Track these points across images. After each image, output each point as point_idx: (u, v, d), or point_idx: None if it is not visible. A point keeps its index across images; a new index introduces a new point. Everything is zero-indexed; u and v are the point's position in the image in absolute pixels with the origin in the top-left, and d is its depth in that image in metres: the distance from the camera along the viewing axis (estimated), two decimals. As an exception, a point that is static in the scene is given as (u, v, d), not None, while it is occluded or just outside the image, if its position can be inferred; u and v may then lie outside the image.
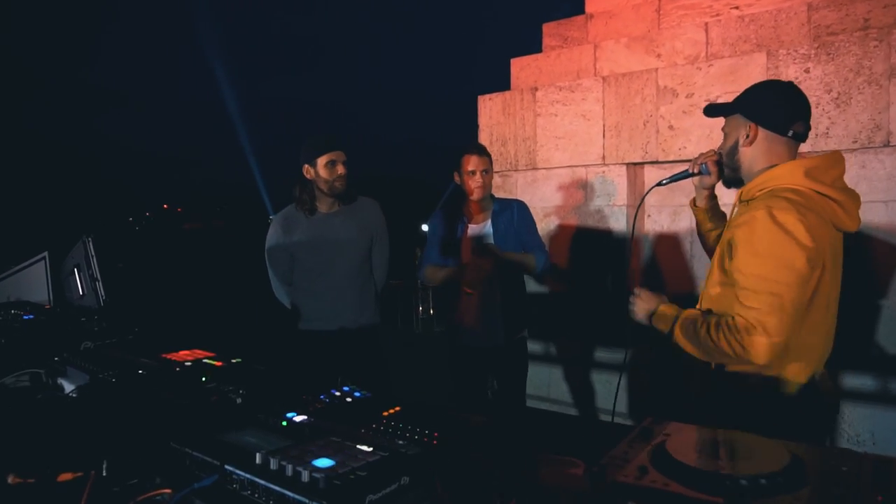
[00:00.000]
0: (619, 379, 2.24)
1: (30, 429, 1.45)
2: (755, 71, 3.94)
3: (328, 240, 2.99)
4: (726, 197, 1.96)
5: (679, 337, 1.77)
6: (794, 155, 1.78)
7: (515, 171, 5.07)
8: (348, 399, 1.38)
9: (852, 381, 3.37)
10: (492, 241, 3.03)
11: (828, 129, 3.69)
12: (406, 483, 0.96)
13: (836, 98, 3.67)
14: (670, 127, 4.29)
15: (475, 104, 5.32)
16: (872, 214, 3.57)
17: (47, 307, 2.86)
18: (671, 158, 4.30)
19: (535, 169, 4.96)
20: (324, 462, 0.98)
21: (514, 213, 3.09)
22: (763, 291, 1.59)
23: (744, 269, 1.64)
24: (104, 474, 1.14)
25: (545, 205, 4.88)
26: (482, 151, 3.05)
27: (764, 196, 1.68)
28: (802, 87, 3.64)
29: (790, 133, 1.74)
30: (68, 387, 1.71)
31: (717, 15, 4.60)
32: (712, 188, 2.03)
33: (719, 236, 1.92)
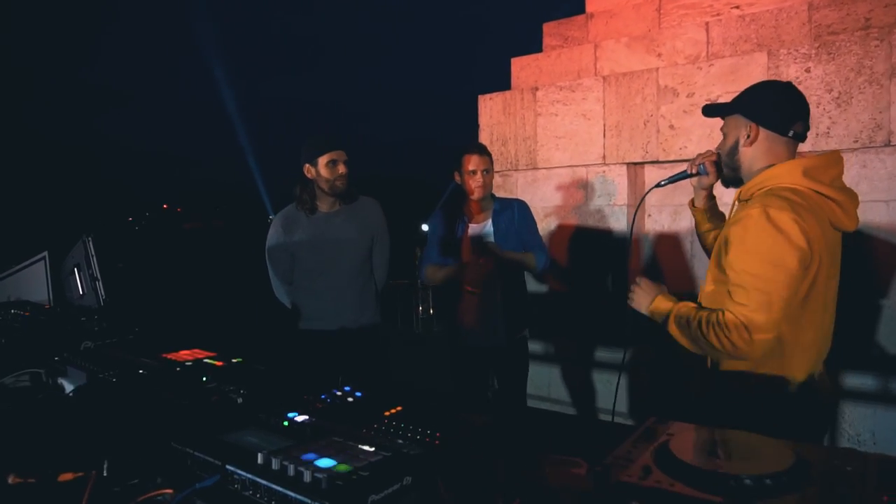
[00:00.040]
0: (619, 378, 2.24)
1: (30, 429, 1.45)
2: (756, 70, 3.94)
3: (329, 239, 2.98)
4: (727, 196, 1.96)
5: (673, 329, 1.79)
6: (793, 155, 1.78)
7: (516, 170, 5.06)
8: (349, 399, 1.37)
9: (853, 380, 3.37)
10: (492, 240, 3.03)
11: (829, 129, 3.69)
12: (408, 483, 0.95)
13: (837, 98, 3.67)
14: (671, 126, 4.28)
15: (475, 104, 5.32)
16: (873, 214, 3.57)
17: (47, 307, 2.86)
18: (672, 158, 4.30)
19: (535, 169, 4.95)
20: (326, 462, 0.97)
21: (514, 213, 3.08)
22: (753, 288, 1.61)
23: (736, 266, 1.66)
24: (105, 474, 1.13)
25: (545, 204, 4.87)
26: (483, 151, 3.05)
27: (762, 195, 1.69)
28: (803, 86, 3.66)
29: (791, 133, 1.75)
30: (68, 387, 1.70)
31: (718, 14, 4.60)
32: (710, 188, 2.05)
33: (718, 236, 1.92)
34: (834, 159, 1.75)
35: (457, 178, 3.09)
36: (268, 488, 0.94)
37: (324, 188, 2.96)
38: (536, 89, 4.95)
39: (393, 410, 1.27)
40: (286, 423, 1.21)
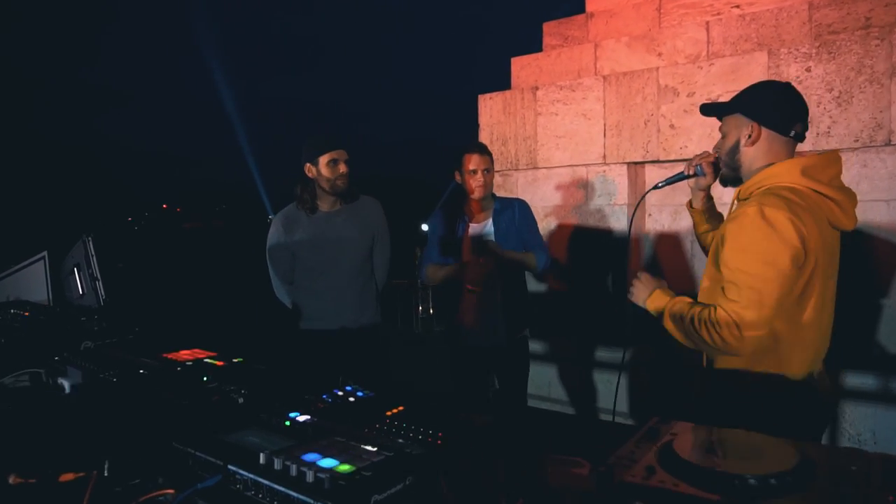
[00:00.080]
0: (619, 378, 2.24)
1: (30, 429, 1.44)
2: (756, 70, 3.93)
3: (329, 239, 2.98)
4: (726, 197, 1.96)
5: (668, 323, 1.80)
6: (792, 155, 1.79)
7: (516, 170, 5.06)
8: (351, 399, 1.37)
9: (853, 380, 3.37)
10: (493, 239, 3.02)
11: (829, 128, 3.69)
12: (411, 483, 0.95)
13: (838, 97, 3.67)
14: (671, 126, 4.28)
15: (475, 103, 5.31)
16: (874, 213, 3.57)
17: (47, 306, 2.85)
18: (672, 158, 4.29)
19: (535, 168, 4.95)
20: (328, 462, 0.97)
21: (515, 212, 3.08)
22: (745, 286, 1.62)
23: (730, 263, 1.67)
24: (106, 474, 1.13)
25: (546, 204, 4.87)
26: (483, 150, 3.05)
27: (760, 194, 1.70)
28: (804, 86, 3.66)
29: (792, 133, 1.76)
30: (68, 387, 1.70)
31: (718, 14, 4.60)
32: (708, 189, 2.06)
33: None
34: (832, 159, 1.76)
35: (457, 177, 3.08)
36: (270, 488, 0.93)
37: (325, 187, 2.95)
38: (536, 89, 4.95)
39: (394, 410, 1.27)
40: (288, 423, 1.21)
